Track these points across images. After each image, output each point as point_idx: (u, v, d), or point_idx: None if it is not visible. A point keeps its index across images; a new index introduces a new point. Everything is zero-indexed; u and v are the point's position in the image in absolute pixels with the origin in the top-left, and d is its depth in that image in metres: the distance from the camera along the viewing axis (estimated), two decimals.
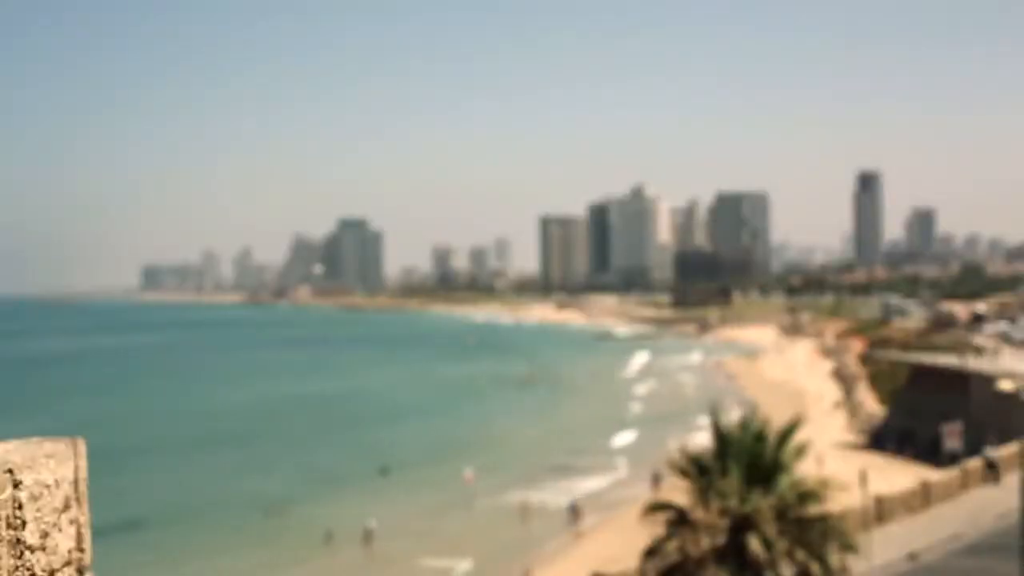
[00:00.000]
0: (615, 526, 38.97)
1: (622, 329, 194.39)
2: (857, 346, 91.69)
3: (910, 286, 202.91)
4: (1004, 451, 37.35)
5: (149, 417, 79.38)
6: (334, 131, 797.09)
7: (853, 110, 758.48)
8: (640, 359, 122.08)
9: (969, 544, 28.86)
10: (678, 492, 23.99)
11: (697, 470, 22.43)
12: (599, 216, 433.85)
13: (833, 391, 75.80)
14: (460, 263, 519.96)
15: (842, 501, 26.07)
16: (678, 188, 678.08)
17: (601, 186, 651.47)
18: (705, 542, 21.07)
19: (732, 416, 32.34)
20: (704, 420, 27.45)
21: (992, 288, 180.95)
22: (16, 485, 2.12)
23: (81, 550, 2.38)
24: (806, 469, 26.19)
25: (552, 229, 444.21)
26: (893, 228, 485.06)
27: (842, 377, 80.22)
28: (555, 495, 48.03)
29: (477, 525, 43.79)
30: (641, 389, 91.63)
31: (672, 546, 21.17)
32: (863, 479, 30.09)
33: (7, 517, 2.09)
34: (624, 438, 63.90)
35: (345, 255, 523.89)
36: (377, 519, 42.50)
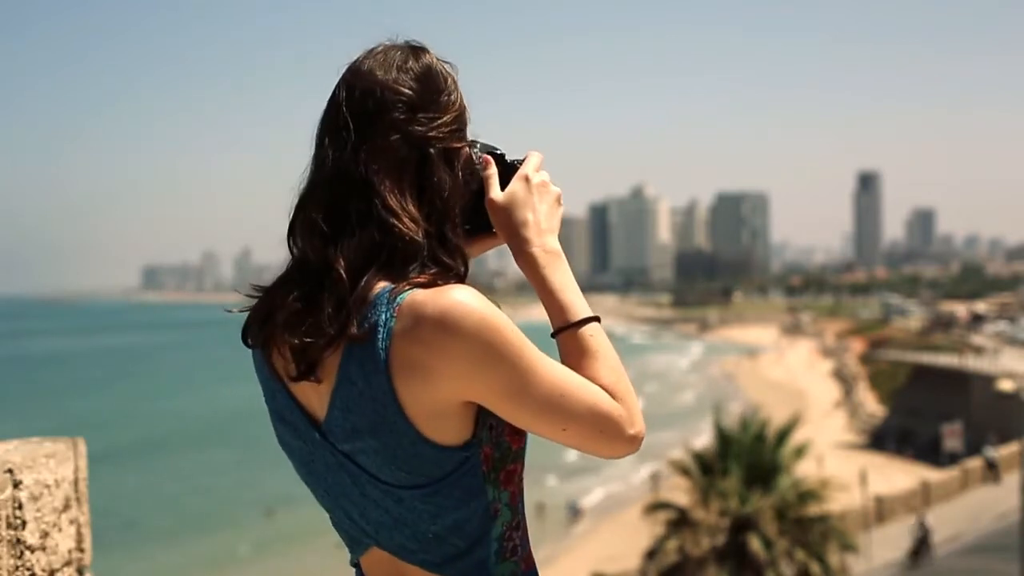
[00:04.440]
0: (615, 526, 38.96)
1: (640, 328, 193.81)
2: (857, 346, 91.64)
3: (910, 286, 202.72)
4: (1004, 451, 37.33)
5: (149, 417, 79.41)
6: None
7: (853, 110, 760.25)
8: (683, 358, 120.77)
9: (969, 544, 28.84)
10: (678, 492, 24.01)
11: (698, 470, 22.47)
12: (599, 216, 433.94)
13: (833, 391, 75.77)
14: None
15: (842, 501, 26.08)
16: (678, 188, 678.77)
17: (601, 186, 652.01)
18: (705, 542, 21.09)
19: (732, 416, 32.33)
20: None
21: (992, 288, 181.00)
22: (16, 485, 2.12)
23: (81, 550, 2.39)
24: (806, 469, 26.20)
25: None
26: (893, 228, 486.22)
27: (842, 377, 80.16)
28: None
29: None
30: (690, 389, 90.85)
31: (672, 546, 21.18)
32: (863, 479, 30.09)
33: (7, 517, 2.09)
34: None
35: None
36: None
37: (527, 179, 1.50)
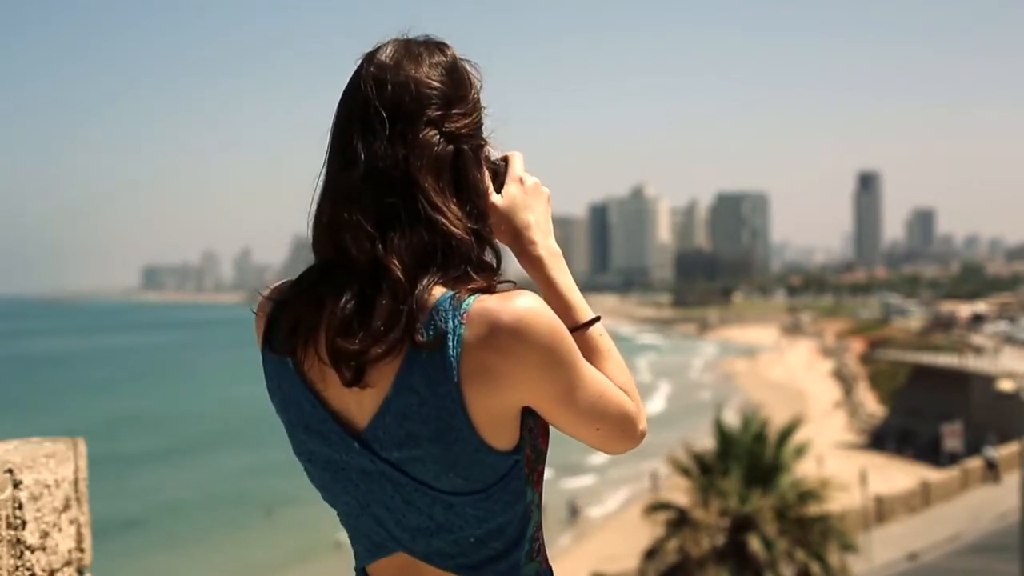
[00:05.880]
0: (615, 526, 38.94)
1: (645, 328, 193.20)
2: (857, 346, 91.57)
3: (910, 286, 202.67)
4: (1004, 451, 37.33)
5: (149, 417, 79.38)
6: None
7: (853, 110, 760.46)
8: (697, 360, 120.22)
9: (969, 544, 28.84)
10: (678, 492, 23.99)
11: (698, 469, 22.45)
12: (599, 216, 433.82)
13: (833, 391, 75.73)
14: None
15: (842, 501, 26.07)
16: (678, 188, 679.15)
17: (601, 186, 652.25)
18: (705, 542, 21.08)
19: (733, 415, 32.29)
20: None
21: (992, 288, 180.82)
22: (16, 485, 2.12)
23: (81, 550, 2.38)
24: (806, 469, 26.19)
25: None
26: (893, 228, 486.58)
27: (842, 377, 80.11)
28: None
29: None
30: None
31: (672, 546, 21.17)
32: (863, 479, 30.08)
33: (7, 517, 2.09)
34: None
35: None
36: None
37: (522, 181, 1.49)
